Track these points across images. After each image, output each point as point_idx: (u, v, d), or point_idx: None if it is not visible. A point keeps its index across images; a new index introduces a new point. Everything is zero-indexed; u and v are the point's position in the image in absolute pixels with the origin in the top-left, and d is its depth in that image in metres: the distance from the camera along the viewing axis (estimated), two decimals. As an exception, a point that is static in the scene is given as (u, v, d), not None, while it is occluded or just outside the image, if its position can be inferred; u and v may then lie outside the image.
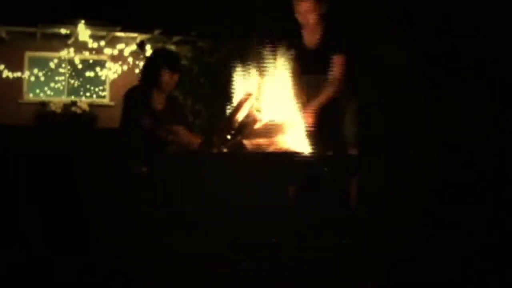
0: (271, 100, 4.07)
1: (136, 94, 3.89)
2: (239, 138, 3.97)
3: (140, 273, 2.65)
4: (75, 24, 9.52)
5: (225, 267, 2.68)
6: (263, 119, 4.35)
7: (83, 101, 11.67)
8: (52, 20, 9.50)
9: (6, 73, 11.06)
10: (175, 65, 3.88)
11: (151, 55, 4.42)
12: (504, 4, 4.62)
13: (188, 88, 7.91)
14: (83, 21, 9.37)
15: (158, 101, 3.92)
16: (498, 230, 3.58)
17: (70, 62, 11.54)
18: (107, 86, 12.16)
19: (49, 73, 11.64)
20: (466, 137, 4.80)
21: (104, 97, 12.19)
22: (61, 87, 11.99)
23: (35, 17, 9.33)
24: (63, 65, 11.75)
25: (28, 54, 11.59)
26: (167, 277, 2.65)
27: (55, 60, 11.17)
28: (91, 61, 11.74)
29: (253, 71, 3.68)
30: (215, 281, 2.56)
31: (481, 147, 4.66)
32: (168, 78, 3.84)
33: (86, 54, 11.10)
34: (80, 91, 12.07)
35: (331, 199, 3.55)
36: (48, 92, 11.88)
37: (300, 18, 3.99)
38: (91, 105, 11.64)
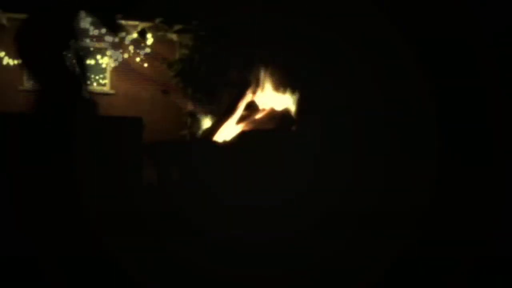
0: (269, 91, 4.06)
1: None
2: (240, 126, 3.98)
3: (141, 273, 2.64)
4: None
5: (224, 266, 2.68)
6: (263, 108, 4.34)
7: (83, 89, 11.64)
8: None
9: (6, 60, 11.03)
10: None
11: None
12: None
13: (189, 76, 7.90)
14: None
15: None
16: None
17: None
18: (107, 74, 12.12)
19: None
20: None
21: (104, 85, 12.16)
22: (62, 75, 11.94)
23: (36, 4, 9.29)
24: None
25: (29, 41, 11.53)
26: (167, 277, 2.65)
27: (56, 47, 11.12)
28: (91, 48, 11.70)
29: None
30: (215, 281, 2.56)
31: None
32: None
33: (87, 41, 11.06)
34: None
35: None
36: (49, 79, 11.83)
37: None
38: (91, 93, 11.61)
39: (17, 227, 3.23)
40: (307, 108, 4.67)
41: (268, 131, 4.39)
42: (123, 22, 10.85)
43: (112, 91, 11.66)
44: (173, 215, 3.05)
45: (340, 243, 3.18)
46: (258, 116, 4.70)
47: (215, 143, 4.44)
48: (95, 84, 12.06)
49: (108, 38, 10.69)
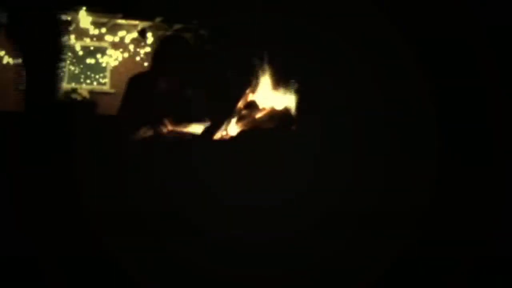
0: (268, 90, 4.08)
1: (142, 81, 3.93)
2: (240, 126, 3.98)
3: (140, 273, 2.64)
4: (76, 11, 9.48)
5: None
6: (263, 108, 4.34)
7: (84, 88, 11.65)
8: (53, 6, 9.45)
9: (6, 59, 11.03)
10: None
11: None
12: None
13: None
14: (84, 8, 9.34)
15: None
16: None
17: (71, 48, 11.49)
18: (107, 73, 12.13)
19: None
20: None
21: (104, 84, 12.17)
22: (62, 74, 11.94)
23: (36, 3, 9.28)
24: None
25: (29, 40, 11.51)
26: (167, 277, 2.65)
27: (56, 47, 11.13)
28: (92, 48, 11.70)
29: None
30: (215, 281, 2.56)
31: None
32: None
33: (87, 40, 11.07)
34: (81, 78, 12.04)
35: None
36: (49, 78, 11.82)
37: None
38: (91, 92, 11.61)
39: (17, 227, 3.23)
40: (307, 108, 4.67)
41: (268, 131, 4.39)
42: (123, 21, 10.88)
43: (112, 90, 11.67)
44: (173, 215, 3.05)
45: (340, 243, 3.18)
46: (258, 115, 4.70)
47: (215, 142, 4.44)
48: (95, 83, 12.07)
49: (109, 37, 10.71)
